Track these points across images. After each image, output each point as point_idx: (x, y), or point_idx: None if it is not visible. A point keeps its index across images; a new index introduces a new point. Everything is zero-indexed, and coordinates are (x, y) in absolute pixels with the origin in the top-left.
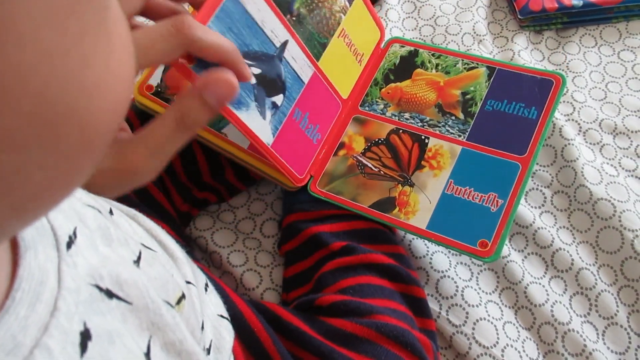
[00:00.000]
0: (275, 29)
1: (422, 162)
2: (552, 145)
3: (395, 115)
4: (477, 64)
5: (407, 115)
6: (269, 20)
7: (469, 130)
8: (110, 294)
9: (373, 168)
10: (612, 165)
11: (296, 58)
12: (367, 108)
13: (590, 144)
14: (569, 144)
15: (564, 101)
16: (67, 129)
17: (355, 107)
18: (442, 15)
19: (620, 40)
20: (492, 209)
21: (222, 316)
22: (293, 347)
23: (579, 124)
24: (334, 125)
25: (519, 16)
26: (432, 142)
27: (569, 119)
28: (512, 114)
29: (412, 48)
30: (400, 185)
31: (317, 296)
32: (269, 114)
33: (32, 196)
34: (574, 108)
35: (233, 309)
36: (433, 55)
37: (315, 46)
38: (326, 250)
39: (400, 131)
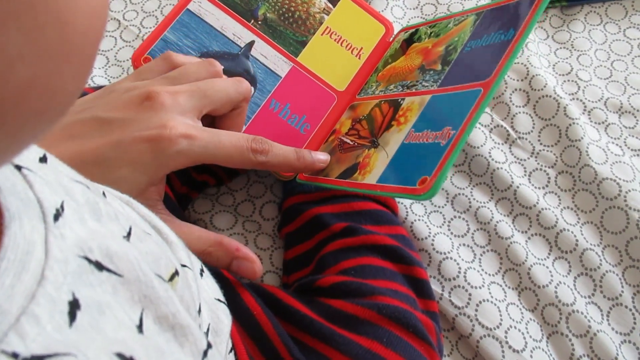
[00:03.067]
0: (237, 32)
1: (392, 122)
2: (556, 124)
3: (382, 91)
4: (467, 15)
5: (392, 86)
6: (229, 26)
7: (442, 77)
8: (100, 266)
9: (349, 142)
10: (617, 144)
11: (267, 55)
12: (362, 94)
13: (596, 123)
14: (574, 123)
15: (568, 80)
16: (45, 16)
17: (353, 97)
18: None
19: (626, 17)
20: (442, 143)
21: (219, 300)
22: (293, 329)
23: (583, 103)
24: (330, 116)
25: None
26: (406, 101)
27: (573, 98)
28: (489, 45)
29: (414, 29)
30: (366, 150)
31: (318, 277)
32: None
33: (16, 93)
34: (579, 87)
35: (232, 293)
36: (430, 27)
37: (292, 44)
38: (327, 232)
39: (382, 102)
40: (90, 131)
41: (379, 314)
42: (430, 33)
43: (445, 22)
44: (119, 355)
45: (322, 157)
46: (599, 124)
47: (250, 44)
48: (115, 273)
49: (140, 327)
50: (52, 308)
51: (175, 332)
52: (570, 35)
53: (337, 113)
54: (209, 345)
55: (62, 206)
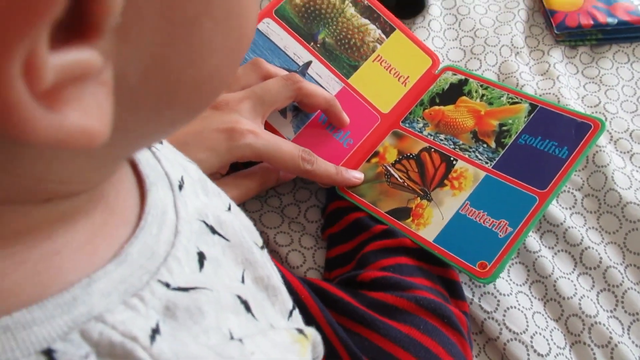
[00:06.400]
0: (297, 52)
1: (445, 181)
2: None
3: (431, 135)
4: (521, 99)
5: (442, 136)
6: (291, 46)
7: (497, 159)
8: (213, 230)
9: (398, 179)
10: None
11: (321, 75)
12: (407, 125)
13: (621, 152)
14: (601, 150)
15: (597, 112)
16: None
17: (397, 122)
18: (482, 28)
19: None
20: (500, 235)
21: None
22: (336, 315)
23: (610, 133)
24: (372, 135)
25: (556, 31)
26: (459, 164)
27: None
28: (542, 151)
29: (463, 77)
30: (419, 198)
31: (359, 272)
32: (289, 114)
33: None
34: (606, 118)
35: (282, 278)
36: (481, 86)
37: (345, 67)
38: (368, 233)
39: (432, 150)
40: None
41: (417, 304)
42: (482, 95)
43: (498, 93)
44: (239, 297)
45: (357, 174)
46: (624, 153)
47: (308, 63)
48: (224, 237)
49: (243, 282)
50: (187, 256)
51: (268, 292)
52: (599, 71)
53: (379, 134)
54: (294, 307)
55: (182, 180)
